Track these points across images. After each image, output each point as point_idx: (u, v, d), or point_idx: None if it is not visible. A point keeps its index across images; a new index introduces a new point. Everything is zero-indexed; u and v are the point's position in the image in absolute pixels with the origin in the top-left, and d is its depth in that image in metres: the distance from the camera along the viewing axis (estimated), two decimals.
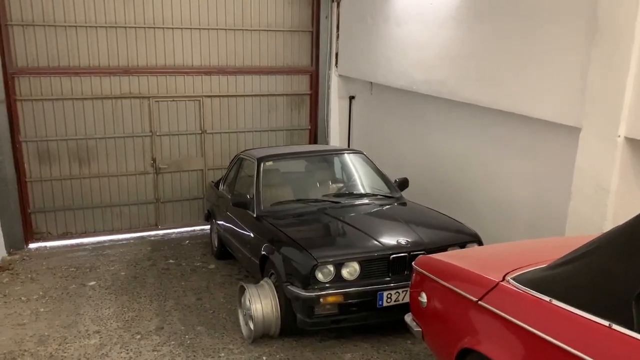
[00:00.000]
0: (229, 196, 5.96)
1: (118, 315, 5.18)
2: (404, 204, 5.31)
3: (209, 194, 7.06)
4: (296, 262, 4.14)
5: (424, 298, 3.18)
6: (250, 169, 5.74)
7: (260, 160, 5.50)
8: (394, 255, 4.11)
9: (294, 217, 4.91)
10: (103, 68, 7.42)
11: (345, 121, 8.62)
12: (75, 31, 7.15)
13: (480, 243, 4.44)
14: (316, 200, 5.20)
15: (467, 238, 4.43)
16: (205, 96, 8.03)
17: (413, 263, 3.40)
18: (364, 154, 5.85)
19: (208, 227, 7.99)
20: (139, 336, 4.71)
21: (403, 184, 5.61)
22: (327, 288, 4.02)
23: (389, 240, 4.27)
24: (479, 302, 2.65)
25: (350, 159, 5.83)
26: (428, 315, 3.16)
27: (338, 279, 4.05)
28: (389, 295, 4.08)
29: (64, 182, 7.55)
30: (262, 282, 4.51)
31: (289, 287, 4.15)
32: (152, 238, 7.82)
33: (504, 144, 5.54)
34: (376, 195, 5.40)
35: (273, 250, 4.48)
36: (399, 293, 4.10)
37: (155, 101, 7.78)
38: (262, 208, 5.10)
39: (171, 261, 6.73)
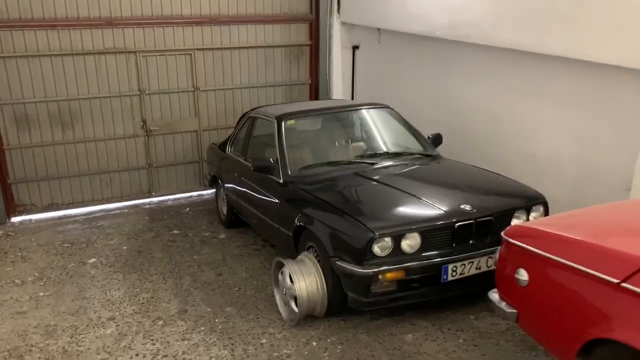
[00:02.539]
0: (242, 160, 5.40)
1: (130, 297, 4.62)
2: (443, 161, 4.82)
3: (212, 157, 6.44)
4: (347, 234, 3.63)
5: (523, 276, 2.72)
6: (267, 129, 5.15)
7: (280, 118, 4.90)
8: (459, 224, 3.63)
9: (329, 182, 4.36)
10: (83, 20, 6.61)
11: (349, 74, 8.00)
12: None
13: (545, 205, 3.99)
14: (349, 162, 4.65)
15: (533, 200, 3.97)
16: (197, 49, 7.31)
17: (503, 234, 2.94)
18: (391, 108, 5.30)
19: (205, 192, 7.52)
20: (161, 322, 4.18)
21: (436, 139, 5.12)
22: (385, 263, 3.53)
23: (449, 206, 3.77)
24: (622, 284, 2.20)
25: (377, 115, 5.27)
26: (530, 297, 2.71)
27: (397, 252, 3.56)
28: (454, 268, 3.62)
29: (46, 148, 6.83)
30: (301, 257, 3.99)
31: (337, 262, 3.65)
32: (147, 206, 7.21)
33: (547, 93, 5.06)
34: (413, 153, 4.89)
35: (312, 221, 3.96)
36: (464, 265, 3.65)
37: (143, 56, 7.03)
38: (289, 173, 4.54)
39: (176, 232, 6.16)
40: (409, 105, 6.76)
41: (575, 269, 2.41)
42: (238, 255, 5.39)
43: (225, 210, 6.08)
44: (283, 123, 4.85)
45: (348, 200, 4.01)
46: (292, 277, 3.79)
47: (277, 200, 4.57)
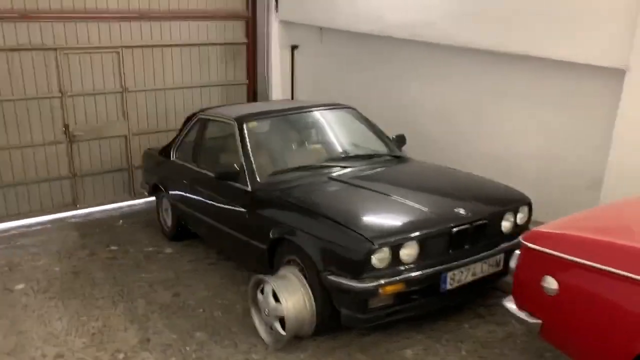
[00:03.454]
0: (194, 166, 4.95)
1: (77, 327, 4.03)
2: (412, 162, 4.66)
3: (150, 164, 5.89)
4: (341, 245, 3.33)
5: (551, 284, 2.57)
6: (221, 132, 4.75)
7: (241, 120, 4.49)
8: (457, 229, 3.44)
9: (305, 189, 4.02)
10: None
11: (289, 75, 7.68)
12: None
13: (530, 206, 3.91)
14: (321, 167, 4.35)
15: (521, 202, 3.87)
16: (125, 47, 6.71)
17: (522, 239, 2.77)
18: (355, 109, 5.06)
19: (137, 202, 7.02)
20: (122, 355, 3.65)
21: (400, 140, 4.96)
22: (384, 275, 3.26)
23: (443, 210, 3.57)
24: None
25: (341, 116, 5.00)
26: (561, 307, 2.55)
27: (395, 263, 3.31)
28: (452, 276, 3.43)
29: None
30: (283, 272, 3.63)
31: (330, 277, 3.34)
32: (73, 220, 6.51)
33: (507, 91, 5.05)
34: (382, 155, 4.67)
35: (294, 232, 3.62)
36: (462, 272, 3.47)
37: (64, 54, 6.35)
38: (258, 180, 4.16)
39: (113, 248, 5.55)
40: (355, 106, 6.56)
41: (621, 276, 2.28)
42: (192, 272, 4.91)
43: (169, 222, 5.57)
44: (245, 125, 4.46)
45: (334, 207, 3.68)
46: (278, 296, 3.43)
47: (243, 210, 4.17)
